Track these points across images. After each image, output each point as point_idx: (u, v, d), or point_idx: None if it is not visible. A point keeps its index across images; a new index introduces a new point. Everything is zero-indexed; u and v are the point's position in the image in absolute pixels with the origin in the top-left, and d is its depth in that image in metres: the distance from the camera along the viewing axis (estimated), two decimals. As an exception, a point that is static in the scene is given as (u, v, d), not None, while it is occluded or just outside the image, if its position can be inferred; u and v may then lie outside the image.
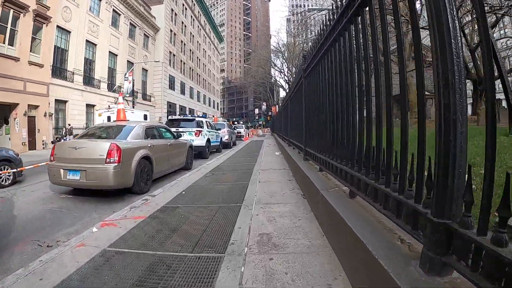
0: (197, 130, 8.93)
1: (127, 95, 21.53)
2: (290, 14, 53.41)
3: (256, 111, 64.67)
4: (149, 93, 32.33)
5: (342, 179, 2.49)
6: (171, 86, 35.53)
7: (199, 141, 8.89)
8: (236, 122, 41.56)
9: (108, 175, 4.11)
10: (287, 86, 39.19)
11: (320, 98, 3.53)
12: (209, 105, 54.47)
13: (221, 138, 11.80)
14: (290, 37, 43.55)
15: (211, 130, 10.14)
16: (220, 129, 13.06)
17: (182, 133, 8.40)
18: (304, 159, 4.77)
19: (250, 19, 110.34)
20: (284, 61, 38.73)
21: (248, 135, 27.64)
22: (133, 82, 22.06)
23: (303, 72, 4.65)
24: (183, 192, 4.40)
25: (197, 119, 9.55)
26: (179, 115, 28.44)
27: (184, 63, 40.02)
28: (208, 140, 9.51)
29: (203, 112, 47.47)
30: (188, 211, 3.40)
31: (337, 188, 2.70)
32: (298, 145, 5.80)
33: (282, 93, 50.38)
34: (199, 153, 9.08)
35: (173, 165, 6.04)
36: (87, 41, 24.12)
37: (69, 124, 20.58)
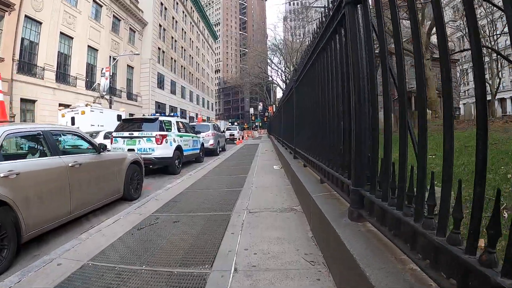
0: (159, 135, 6.29)
1: (104, 93, 18.94)
2: (287, 1, 51.35)
3: (252, 110, 62.20)
4: (136, 92, 29.75)
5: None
6: (160, 85, 33.00)
7: (162, 151, 6.24)
8: (231, 123, 39.02)
9: None
10: (284, 86, 36.89)
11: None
12: (203, 106, 51.93)
13: (202, 144, 9.35)
14: (287, 34, 41.33)
15: (184, 134, 7.61)
16: (201, 132, 10.61)
17: (138, 140, 5.96)
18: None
19: (246, 18, 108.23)
20: (281, 57, 36.38)
21: (243, 137, 25.22)
22: (111, 78, 19.41)
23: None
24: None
25: (161, 118, 6.74)
26: (159, 114, 25.94)
27: (175, 61, 37.53)
28: (179, 148, 6.93)
29: (196, 113, 45.02)
30: None
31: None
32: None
33: (279, 94, 48.25)
34: (165, 168, 6.75)
35: (86, 202, 3.42)
36: (61, 33, 21.58)
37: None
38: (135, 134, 6.40)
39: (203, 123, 11.96)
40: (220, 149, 12.91)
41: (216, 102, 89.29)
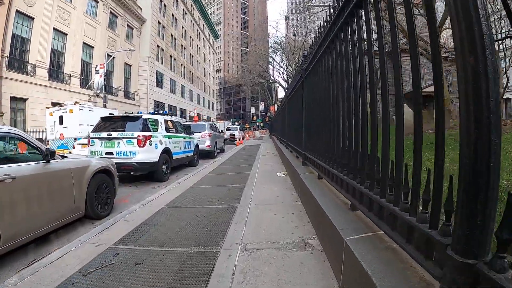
0: (141, 136, 5.22)
1: (98, 91, 18.06)
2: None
3: (253, 110, 61.12)
4: (133, 91, 28.88)
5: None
6: (159, 84, 32.11)
7: (145, 154, 5.25)
8: (231, 123, 38.05)
9: None
10: (286, 85, 35.88)
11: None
12: (204, 105, 51.03)
13: (196, 145, 8.33)
14: (289, 32, 40.33)
15: (174, 134, 6.61)
16: (197, 133, 9.65)
17: (117, 141, 5.03)
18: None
19: (247, 18, 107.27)
20: (283, 55, 35.37)
21: (243, 138, 24.22)
22: (106, 76, 18.54)
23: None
24: None
25: (145, 116, 5.71)
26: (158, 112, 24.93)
27: (174, 59, 36.64)
28: (167, 151, 5.96)
29: (196, 113, 44.13)
30: None
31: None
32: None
33: (280, 94, 47.21)
34: (150, 175, 5.77)
35: (28, 228, 2.51)
36: (55, 29, 20.76)
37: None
38: (114, 135, 5.34)
39: (199, 123, 11.00)
40: (218, 150, 11.96)
41: (217, 102, 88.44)
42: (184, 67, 40.46)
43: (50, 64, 20.32)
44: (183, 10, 40.35)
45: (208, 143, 10.01)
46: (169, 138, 6.27)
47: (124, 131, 5.27)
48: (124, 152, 5.26)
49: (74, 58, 22.10)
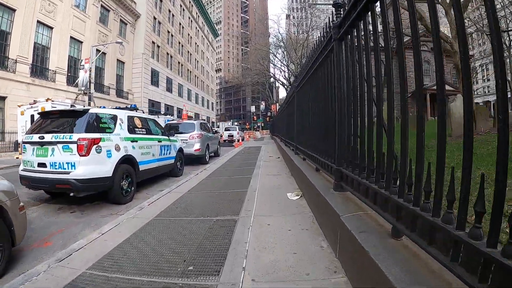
0: (83, 140, 3.55)
1: (83, 88, 16.44)
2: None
3: (253, 109, 59.35)
4: (127, 89, 27.26)
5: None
6: (154, 82, 30.51)
7: (91, 168, 3.60)
8: (231, 124, 36.29)
9: None
10: (288, 84, 34.20)
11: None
12: (203, 105, 49.38)
13: (180, 149, 6.51)
14: (290, 27, 38.71)
15: (144, 136, 4.87)
16: (183, 133, 7.96)
17: (51, 148, 3.41)
18: None
19: (248, 17, 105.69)
20: (285, 52, 33.67)
21: (243, 139, 22.48)
22: (91, 72, 16.94)
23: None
24: None
25: (94, 110, 4.00)
26: (152, 113, 23.08)
27: (171, 57, 35.05)
28: (129, 161, 4.23)
29: (195, 113, 42.55)
30: None
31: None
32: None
33: (282, 94, 45.47)
34: (104, 195, 4.04)
35: None
36: (39, 22, 19.18)
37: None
38: (47, 137, 3.64)
39: (187, 121, 9.28)
40: (212, 154, 10.26)
41: (217, 102, 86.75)
42: (182, 65, 38.85)
43: (33, 60, 18.75)
44: (181, 6, 38.77)
45: (197, 146, 8.19)
46: (133, 141, 4.50)
47: (62, 131, 3.59)
48: (59, 163, 3.55)
49: (60, 54, 20.51)
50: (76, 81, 20.47)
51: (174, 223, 2.86)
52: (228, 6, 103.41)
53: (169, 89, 34.26)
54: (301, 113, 4.62)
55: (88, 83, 16.87)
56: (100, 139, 3.69)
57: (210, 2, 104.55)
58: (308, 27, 35.22)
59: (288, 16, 72.59)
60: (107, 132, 3.93)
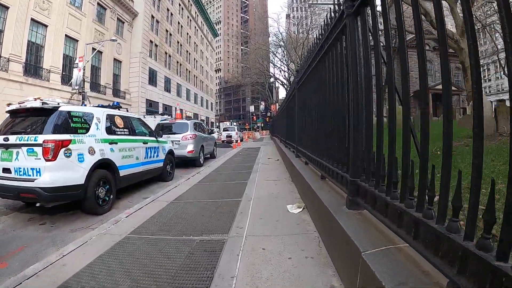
0: (50, 143, 2.99)
1: (76, 87, 15.95)
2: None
3: (252, 108, 58.78)
4: (124, 88, 26.76)
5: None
6: (152, 81, 30.02)
7: (59, 174, 3.07)
8: (230, 124, 35.73)
9: None
10: (287, 84, 33.70)
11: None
12: (202, 105, 48.87)
13: (170, 152, 5.96)
14: (291, 26, 38.31)
15: (126, 138, 4.33)
16: (176, 134, 7.44)
17: (16, 151, 2.93)
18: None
19: (248, 17, 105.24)
20: (285, 51, 33.18)
21: (242, 139, 21.92)
22: (87, 71, 16.45)
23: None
24: None
25: (65, 108, 3.43)
26: (161, 114, 22.53)
27: (169, 56, 34.56)
28: (107, 165, 3.75)
29: (193, 113, 42.08)
30: None
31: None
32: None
33: (282, 94, 44.97)
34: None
35: None
36: (33, 20, 18.70)
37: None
38: (12, 139, 3.15)
39: (180, 121, 8.51)
40: (208, 155, 9.74)
41: (217, 102, 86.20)
42: (181, 65, 38.36)
43: (27, 58, 18.27)
44: (180, 5, 38.29)
45: (190, 147, 7.57)
46: (112, 143, 3.98)
47: (27, 132, 3.07)
48: (24, 169, 3.05)
49: (55, 52, 20.02)
50: (71, 80, 19.98)
51: (149, 243, 2.36)
52: (227, 6, 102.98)
53: (167, 89, 33.77)
54: (302, 110, 4.11)
55: (82, 82, 16.35)
56: (70, 141, 3.18)
57: (210, 2, 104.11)
58: (308, 26, 34.75)
59: (288, 16, 72.24)
60: (79, 133, 3.42)
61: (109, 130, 4.01)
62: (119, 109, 4.69)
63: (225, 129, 23.25)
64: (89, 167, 3.36)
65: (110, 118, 4.17)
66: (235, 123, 39.40)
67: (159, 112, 27.72)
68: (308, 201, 2.79)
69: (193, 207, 3.32)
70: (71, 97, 18.74)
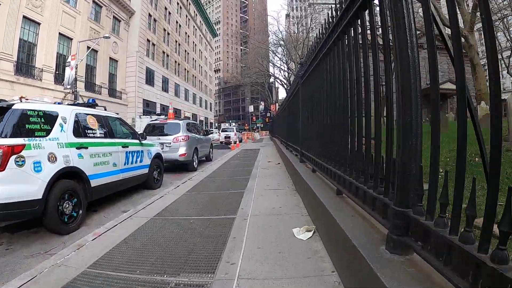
0: (0, 149, 2.34)
1: (68, 86, 15.34)
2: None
3: (251, 108, 58.10)
4: (120, 88, 26.14)
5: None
6: (149, 81, 29.40)
7: (8, 188, 2.42)
8: (228, 124, 35.06)
9: None
10: (287, 83, 33.13)
11: None
12: (201, 106, 48.25)
13: (157, 156, 5.28)
14: (290, 25, 37.78)
15: (100, 141, 3.71)
16: (167, 136, 6.79)
17: None
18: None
19: (247, 17, 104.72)
20: (285, 50, 32.59)
21: (241, 140, 21.23)
22: (76, 68, 15.85)
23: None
24: None
25: (17, 107, 2.74)
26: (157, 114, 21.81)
27: (167, 55, 33.95)
28: (74, 175, 3.09)
29: (192, 113, 41.48)
30: None
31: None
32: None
33: (281, 94, 44.36)
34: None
35: None
36: (25, 17, 18.10)
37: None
38: None
39: (171, 121, 7.70)
40: (204, 158, 9.10)
41: (216, 103, 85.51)
42: (179, 64, 37.74)
43: (18, 57, 17.65)
44: (178, 4, 37.69)
45: (182, 150, 6.84)
46: (81, 148, 3.30)
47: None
48: None
49: (48, 51, 19.41)
50: (64, 80, 19.36)
51: (109, 285, 1.73)
52: (227, 6, 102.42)
53: (165, 89, 33.15)
54: (309, 107, 3.49)
55: (74, 81, 15.72)
56: (23, 147, 2.56)
57: (209, 2, 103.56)
58: (308, 25, 34.17)
59: (288, 16, 71.77)
60: (37, 136, 2.79)
61: (77, 132, 3.36)
62: (95, 107, 4.06)
63: (223, 130, 22.55)
64: (48, 178, 2.74)
65: (81, 117, 3.53)
66: (234, 124, 38.76)
67: (156, 113, 27.08)
68: (321, 224, 2.18)
69: (175, 228, 2.70)
70: (64, 97, 18.12)
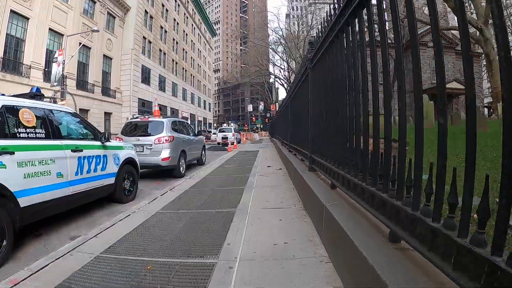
0: None
1: (55, 83, 14.38)
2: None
3: (250, 108, 57.10)
4: (114, 87, 25.18)
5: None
6: (145, 80, 28.45)
7: None
8: (226, 125, 33.98)
9: None
10: (287, 83, 32.19)
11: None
12: (199, 106, 47.26)
13: (128, 161, 4.18)
14: (291, 23, 36.92)
15: (36, 143, 2.60)
16: (149, 136, 5.77)
17: None
18: None
19: (247, 17, 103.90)
20: (285, 47, 31.66)
21: (239, 141, 20.17)
22: (64, 64, 14.89)
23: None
24: None
25: None
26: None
27: (164, 54, 33.00)
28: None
29: (190, 113, 40.55)
30: None
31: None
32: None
33: (282, 95, 43.41)
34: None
35: None
36: (13, 12, 17.17)
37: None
38: None
39: (154, 119, 6.56)
40: (195, 161, 8.09)
41: (216, 103, 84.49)
42: (177, 63, 36.78)
43: (4, 53, 16.72)
44: (176, 1, 36.76)
45: (165, 153, 5.77)
46: (3, 153, 2.35)
47: None
48: None
49: (36, 47, 18.47)
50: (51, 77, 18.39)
51: None
52: (226, 5, 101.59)
53: (162, 88, 32.17)
54: (325, 98, 2.50)
55: (62, 77, 14.75)
56: None
57: (209, 1, 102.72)
58: (309, 23, 33.25)
59: (288, 16, 70.92)
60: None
61: (2, 133, 2.41)
62: (40, 98, 3.06)
63: (221, 130, 21.47)
64: None
65: (10, 111, 2.55)
66: (232, 124, 37.70)
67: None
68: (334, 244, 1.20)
69: (130, 273, 1.74)
70: (54, 94, 17.17)
